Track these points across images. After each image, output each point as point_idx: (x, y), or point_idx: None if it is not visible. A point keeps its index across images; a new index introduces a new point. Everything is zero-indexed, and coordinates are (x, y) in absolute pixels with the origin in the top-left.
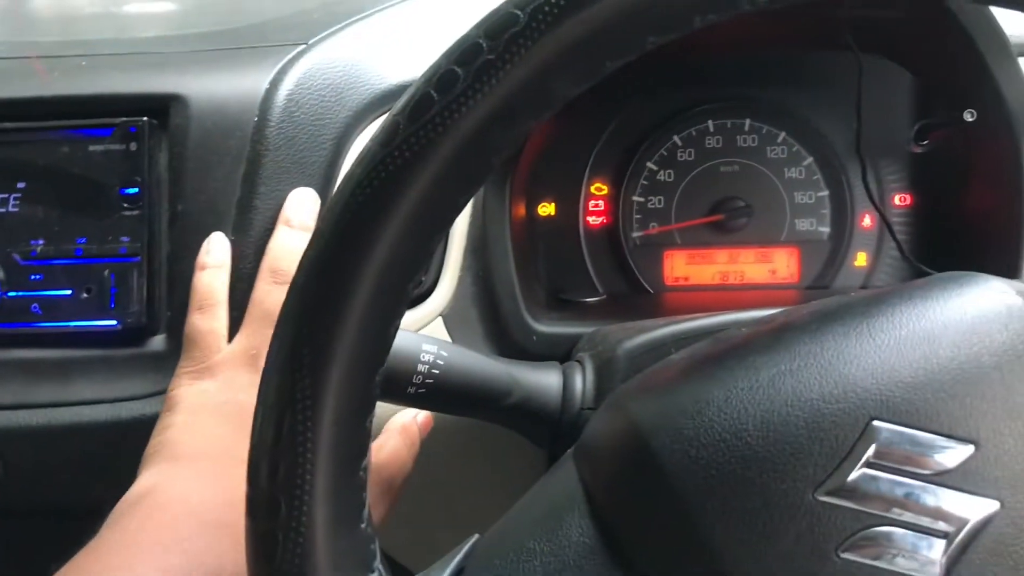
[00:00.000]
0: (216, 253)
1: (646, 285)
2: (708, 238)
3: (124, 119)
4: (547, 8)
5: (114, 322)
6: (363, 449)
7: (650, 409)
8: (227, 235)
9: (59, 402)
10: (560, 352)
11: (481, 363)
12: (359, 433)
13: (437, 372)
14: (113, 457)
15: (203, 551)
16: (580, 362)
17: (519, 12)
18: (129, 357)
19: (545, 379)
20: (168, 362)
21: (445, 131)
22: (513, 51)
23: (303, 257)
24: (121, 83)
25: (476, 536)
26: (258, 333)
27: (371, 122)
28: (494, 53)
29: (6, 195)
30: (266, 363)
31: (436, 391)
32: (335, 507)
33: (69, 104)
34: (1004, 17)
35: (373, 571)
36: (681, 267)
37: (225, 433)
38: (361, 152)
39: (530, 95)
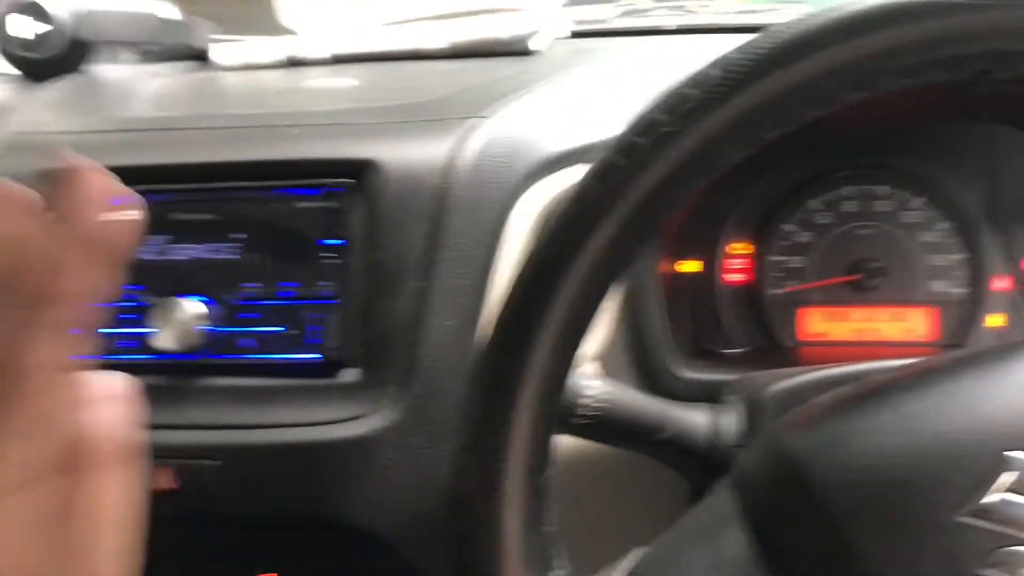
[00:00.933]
0: None
1: (784, 339)
2: (845, 297)
3: (330, 180)
4: (720, 88)
5: (315, 355)
6: (547, 461)
7: (803, 440)
8: (412, 281)
9: (267, 424)
10: (704, 396)
11: (639, 400)
12: (546, 454)
13: (602, 405)
14: (312, 474)
15: None
16: (728, 404)
17: (694, 91)
18: (325, 386)
19: (695, 418)
20: (358, 392)
21: (628, 191)
22: (689, 123)
23: (503, 300)
24: (326, 149)
25: (636, 549)
26: None
27: (535, 185)
28: (673, 126)
29: (225, 244)
30: (469, 396)
31: (599, 423)
32: (524, 509)
33: (282, 166)
34: None
35: (553, 569)
36: (818, 323)
37: None
38: (557, 210)
39: (701, 159)
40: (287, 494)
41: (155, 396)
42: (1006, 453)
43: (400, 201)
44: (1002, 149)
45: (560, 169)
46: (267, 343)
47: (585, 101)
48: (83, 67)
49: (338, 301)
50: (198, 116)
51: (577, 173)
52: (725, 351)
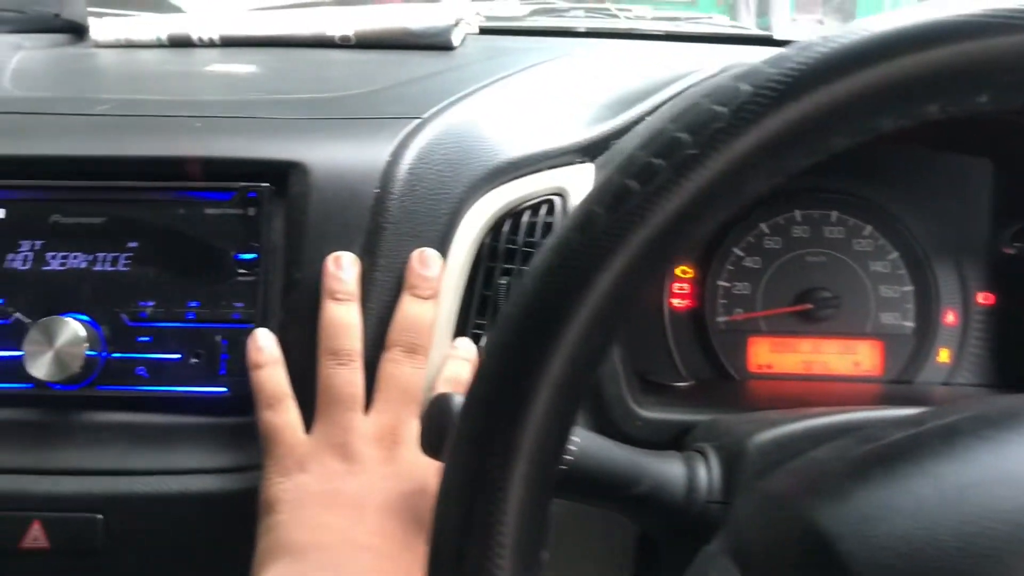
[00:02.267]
0: (268, 349)
1: (731, 371)
2: (793, 326)
3: (244, 184)
4: (751, 106)
5: (224, 389)
6: (545, 536)
7: (833, 515)
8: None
9: (163, 469)
10: (664, 438)
11: (609, 450)
12: (543, 520)
13: (570, 457)
14: (218, 528)
15: None
16: (702, 452)
17: (722, 109)
18: (237, 425)
19: (671, 470)
20: None
21: (643, 221)
22: (715, 146)
23: (492, 344)
24: (241, 147)
25: None
26: (394, 411)
27: (482, 196)
28: (697, 147)
29: (116, 254)
30: (452, 450)
31: (569, 478)
32: None
33: (186, 164)
34: None
35: None
36: (765, 354)
37: (333, 521)
38: (553, 238)
39: (727, 188)
40: (183, 555)
41: (24, 433)
42: None
43: (328, 211)
44: (957, 179)
45: (508, 180)
46: (164, 373)
47: (530, 104)
48: None
49: (251, 325)
50: (78, 100)
51: (525, 185)
52: (674, 384)
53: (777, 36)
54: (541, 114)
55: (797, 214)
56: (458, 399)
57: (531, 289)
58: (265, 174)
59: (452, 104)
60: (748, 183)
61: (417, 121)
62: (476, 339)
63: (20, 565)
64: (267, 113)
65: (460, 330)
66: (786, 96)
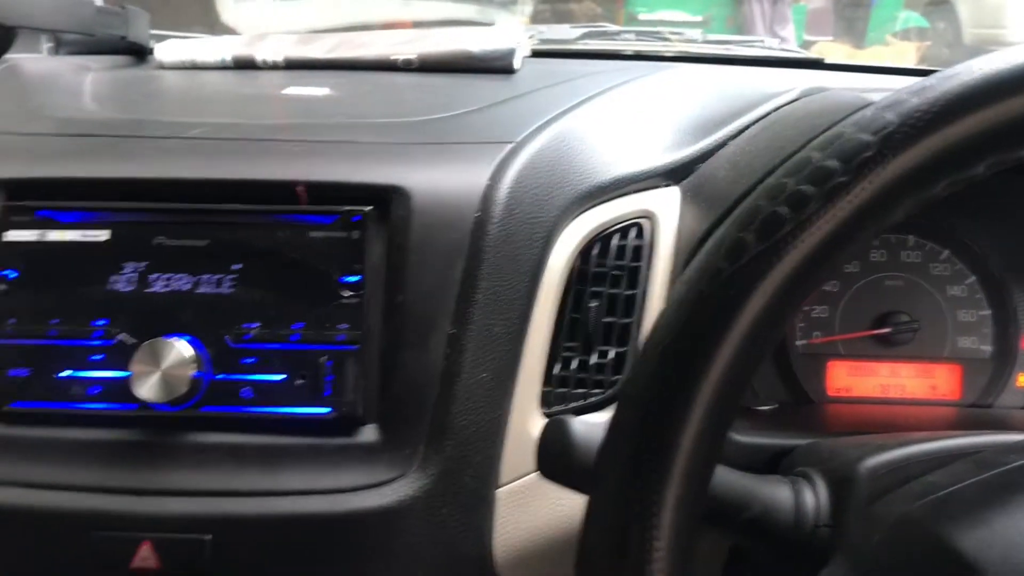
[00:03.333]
0: None
1: (810, 394)
2: (871, 350)
3: (348, 208)
4: (898, 136)
5: (328, 409)
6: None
7: (973, 540)
8: (446, 328)
9: (269, 490)
10: (759, 462)
11: (724, 474)
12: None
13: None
14: (323, 549)
15: None
16: (806, 477)
17: (870, 138)
18: (340, 447)
19: (778, 493)
20: (379, 454)
21: (796, 248)
22: (865, 174)
23: (640, 372)
24: (344, 172)
25: None
26: None
27: (574, 219)
28: (847, 175)
29: (220, 276)
30: (602, 478)
31: None
32: None
33: (290, 189)
34: None
35: None
36: (843, 377)
37: None
38: (698, 266)
39: (876, 215)
40: (293, 575)
41: (130, 454)
42: None
43: (430, 234)
44: None
45: (598, 203)
46: (268, 394)
47: (618, 126)
48: (1, 56)
49: (356, 347)
50: (171, 123)
51: (614, 208)
52: (757, 408)
53: (828, 61)
54: (624, 138)
55: (877, 239)
56: (576, 423)
57: (682, 317)
58: (366, 198)
59: (541, 128)
60: (895, 209)
61: (511, 145)
62: (566, 362)
63: None
64: (361, 137)
65: (552, 353)
66: (932, 125)
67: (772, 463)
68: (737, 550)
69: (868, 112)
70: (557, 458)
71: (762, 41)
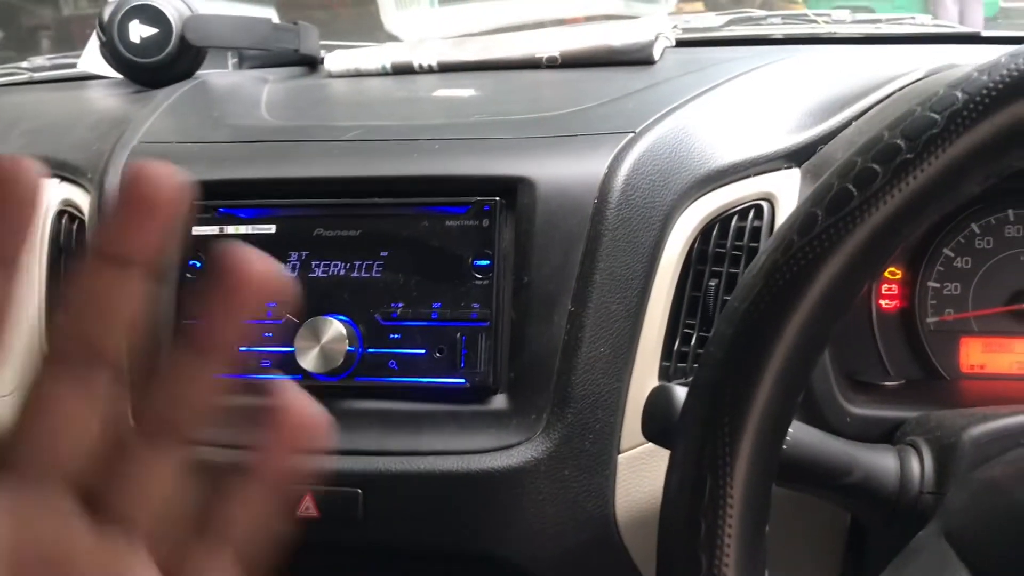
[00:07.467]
0: None
1: (942, 371)
2: (1006, 326)
3: (479, 198)
4: (964, 113)
5: (462, 380)
6: (766, 517)
7: None
8: (567, 306)
9: (413, 451)
10: (874, 434)
11: (823, 440)
12: (765, 501)
13: (785, 447)
14: (458, 506)
15: None
16: (913, 446)
17: (936, 116)
18: (474, 413)
19: (884, 461)
20: (508, 420)
21: (863, 223)
22: (931, 151)
23: (719, 335)
24: (474, 166)
25: None
26: None
27: (693, 202)
28: (912, 152)
29: (370, 262)
30: (683, 432)
31: (783, 465)
32: (747, 564)
33: (429, 183)
34: None
35: None
36: (977, 354)
37: None
38: (776, 238)
39: (941, 191)
40: (433, 526)
41: None
42: None
43: (552, 220)
44: None
45: (717, 187)
46: (412, 366)
47: (731, 117)
48: (194, 72)
49: (487, 324)
50: (330, 127)
51: (734, 191)
52: (883, 383)
53: (985, 34)
54: (747, 122)
55: (1010, 213)
56: (677, 389)
57: (757, 285)
58: (496, 189)
59: (662, 118)
60: (962, 186)
61: (630, 135)
62: (687, 339)
63: (294, 531)
64: (494, 133)
65: (671, 331)
66: (999, 102)
67: (887, 436)
68: (857, 524)
69: (941, 91)
70: (658, 421)
71: (912, 18)
